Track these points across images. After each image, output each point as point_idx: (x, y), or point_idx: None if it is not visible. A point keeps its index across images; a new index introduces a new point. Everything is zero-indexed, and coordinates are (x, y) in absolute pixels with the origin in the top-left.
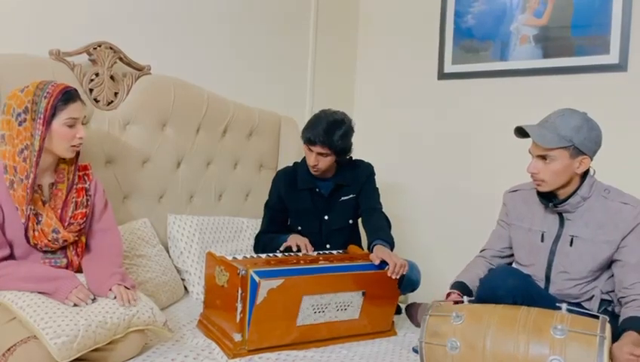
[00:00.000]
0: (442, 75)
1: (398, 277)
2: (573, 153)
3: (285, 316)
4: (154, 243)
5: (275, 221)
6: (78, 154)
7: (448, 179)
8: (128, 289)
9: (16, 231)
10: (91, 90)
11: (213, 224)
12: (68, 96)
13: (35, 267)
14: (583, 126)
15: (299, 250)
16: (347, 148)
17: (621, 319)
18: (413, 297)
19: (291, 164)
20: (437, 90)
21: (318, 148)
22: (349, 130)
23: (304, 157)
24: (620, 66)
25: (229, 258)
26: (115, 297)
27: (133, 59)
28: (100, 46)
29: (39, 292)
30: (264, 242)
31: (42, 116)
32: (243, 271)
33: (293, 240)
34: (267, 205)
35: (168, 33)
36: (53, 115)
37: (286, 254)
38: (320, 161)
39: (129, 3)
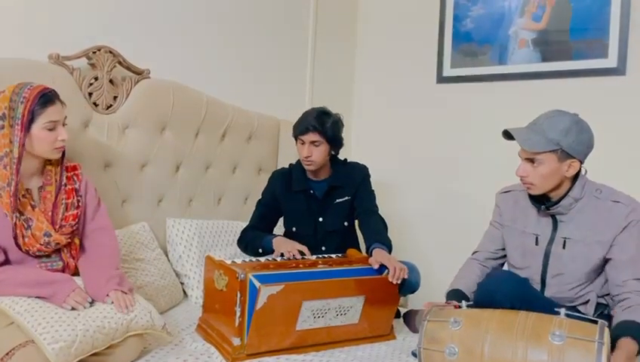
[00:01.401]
0: (441, 79)
1: (399, 282)
2: (562, 156)
3: (285, 321)
4: (153, 247)
5: (264, 218)
6: (63, 154)
7: (447, 182)
8: (126, 293)
9: (8, 237)
10: (90, 94)
11: (212, 228)
12: (45, 98)
13: (32, 272)
14: (572, 128)
15: (299, 255)
16: (339, 138)
17: (614, 322)
18: (412, 300)
19: (287, 166)
20: (436, 93)
21: (310, 136)
22: (338, 121)
23: (299, 160)
24: (619, 70)
25: (228, 262)
26: (112, 302)
27: (132, 63)
28: (99, 50)
29: (37, 297)
30: (247, 239)
31: (20, 122)
32: (242, 275)
33: (283, 246)
34: (260, 202)
35: (167, 37)
36: (31, 120)
37: (284, 258)
38: (313, 151)
39: (128, 7)
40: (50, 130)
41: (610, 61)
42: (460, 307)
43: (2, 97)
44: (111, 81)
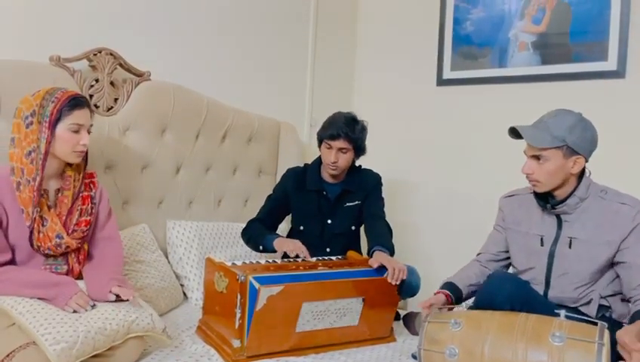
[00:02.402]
0: (441, 82)
1: (397, 282)
2: (567, 153)
3: (285, 322)
4: (153, 248)
5: (272, 213)
6: (86, 162)
7: (448, 185)
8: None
9: (21, 234)
10: (91, 96)
11: (212, 230)
12: (75, 102)
13: (35, 273)
14: (577, 126)
15: (297, 256)
16: (364, 146)
17: (632, 312)
18: (412, 303)
19: (302, 165)
20: (436, 96)
21: (339, 143)
22: (365, 128)
23: (314, 160)
24: (618, 73)
25: (229, 264)
26: (116, 297)
27: (133, 65)
28: (100, 52)
29: (39, 298)
30: (251, 233)
31: (48, 120)
32: (242, 277)
33: (285, 245)
34: (270, 197)
35: (168, 39)
36: (58, 119)
37: (285, 260)
38: (340, 157)
39: (129, 9)
40: (75, 132)
41: (610, 64)
42: (451, 309)
43: (36, 96)
44: (112, 83)
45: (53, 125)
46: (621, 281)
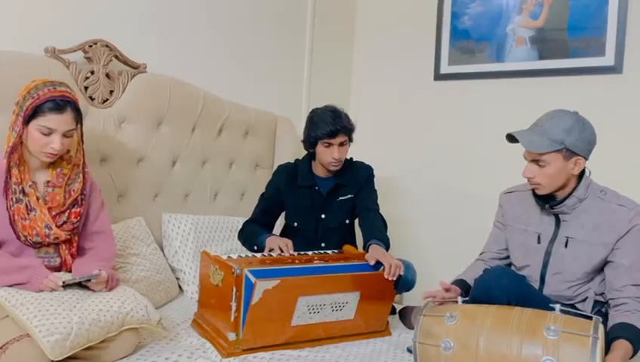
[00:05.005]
0: (438, 76)
1: (394, 278)
2: (567, 155)
3: (280, 316)
4: (148, 241)
5: (267, 212)
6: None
7: (445, 180)
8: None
9: (6, 227)
10: (86, 88)
11: (208, 223)
12: (52, 105)
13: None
14: (574, 127)
15: (290, 250)
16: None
17: (610, 323)
18: (408, 297)
19: (292, 161)
20: (433, 90)
21: (339, 138)
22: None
23: (305, 155)
24: (616, 68)
25: (224, 257)
26: (99, 271)
27: (129, 58)
28: (95, 44)
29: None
30: (247, 233)
31: (23, 114)
32: (238, 271)
33: (274, 243)
34: (263, 196)
35: (164, 32)
36: (31, 116)
37: (273, 255)
38: (341, 151)
39: (125, 1)
40: (44, 134)
41: (607, 59)
42: (455, 301)
43: (27, 85)
44: (107, 75)
45: (25, 121)
46: (605, 280)
